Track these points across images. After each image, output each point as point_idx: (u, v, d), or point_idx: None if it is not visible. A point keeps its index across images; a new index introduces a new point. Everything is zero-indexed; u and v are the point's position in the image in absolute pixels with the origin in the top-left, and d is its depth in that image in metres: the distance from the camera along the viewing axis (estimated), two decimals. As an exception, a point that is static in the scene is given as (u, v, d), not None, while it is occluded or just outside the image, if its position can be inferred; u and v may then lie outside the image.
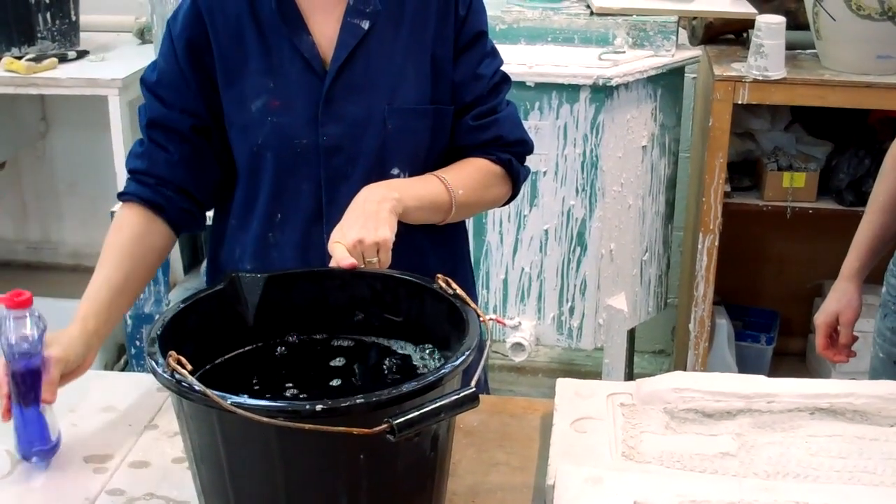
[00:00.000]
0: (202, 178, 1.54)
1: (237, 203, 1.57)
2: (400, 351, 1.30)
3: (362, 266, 1.33)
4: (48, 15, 2.83)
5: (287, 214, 1.53)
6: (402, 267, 1.35)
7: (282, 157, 1.50)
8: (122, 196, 1.53)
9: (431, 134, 1.53)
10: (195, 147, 1.52)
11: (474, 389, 1.06)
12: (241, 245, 1.58)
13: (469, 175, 1.54)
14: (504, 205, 1.66)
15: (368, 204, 1.40)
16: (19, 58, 2.75)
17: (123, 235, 1.50)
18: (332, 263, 1.34)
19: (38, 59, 2.76)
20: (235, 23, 1.49)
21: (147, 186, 1.51)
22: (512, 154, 1.58)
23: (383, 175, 1.50)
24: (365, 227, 1.37)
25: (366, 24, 1.48)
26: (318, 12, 1.49)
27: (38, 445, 1.35)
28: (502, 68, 1.60)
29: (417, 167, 1.53)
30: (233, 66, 1.49)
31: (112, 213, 2.27)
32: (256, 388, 1.23)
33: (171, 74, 1.51)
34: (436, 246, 1.59)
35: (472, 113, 1.55)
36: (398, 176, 1.52)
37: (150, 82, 1.53)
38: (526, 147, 1.61)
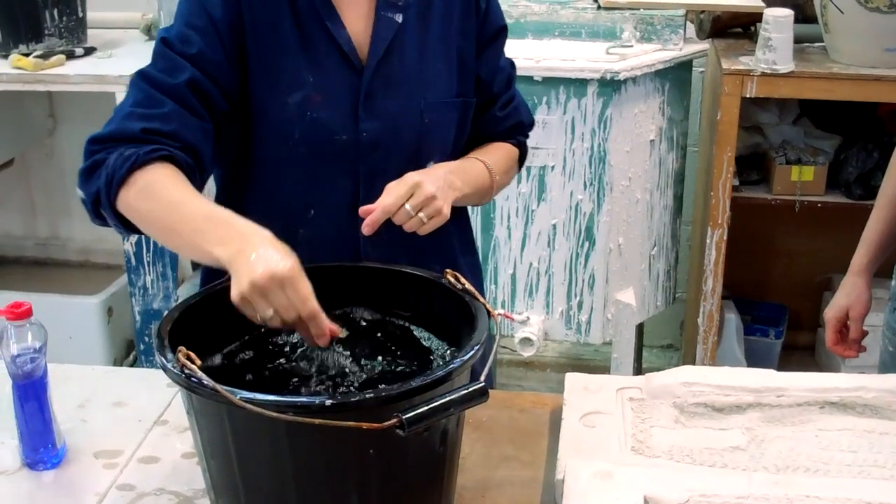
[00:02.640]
0: (215, 160, 1.45)
1: (252, 197, 1.49)
2: (425, 343, 1.30)
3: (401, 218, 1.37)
4: (55, 12, 2.82)
5: (321, 210, 1.49)
6: (430, 257, 1.40)
7: (318, 152, 1.46)
8: (150, 154, 1.29)
9: (457, 126, 1.55)
10: (219, 132, 1.42)
11: (483, 384, 1.06)
12: None
13: (501, 159, 1.61)
14: None
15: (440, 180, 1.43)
16: (27, 55, 2.75)
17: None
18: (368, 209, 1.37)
19: (45, 56, 2.75)
20: (273, 10, 1.42)
21: (176, 150, 1.32)
22: (526, 136, 1.68)
23: (419, 168, 1.49)
24: (431, 180, 1.40)
25: (399, 18, 1.47)
26: (348, 6, 1.46)
27: (44, 454, 1.36)
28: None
29: (444, 159, 1.54)
30: (269, 55, 1.42)
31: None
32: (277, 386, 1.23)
33: (213, 52, 1.39)
34: (459, 232, 1.63)
35: (498, 104, 1.62)
36: None
37: (189, 54, 1.37)
38: (532, 128, 1.71)
